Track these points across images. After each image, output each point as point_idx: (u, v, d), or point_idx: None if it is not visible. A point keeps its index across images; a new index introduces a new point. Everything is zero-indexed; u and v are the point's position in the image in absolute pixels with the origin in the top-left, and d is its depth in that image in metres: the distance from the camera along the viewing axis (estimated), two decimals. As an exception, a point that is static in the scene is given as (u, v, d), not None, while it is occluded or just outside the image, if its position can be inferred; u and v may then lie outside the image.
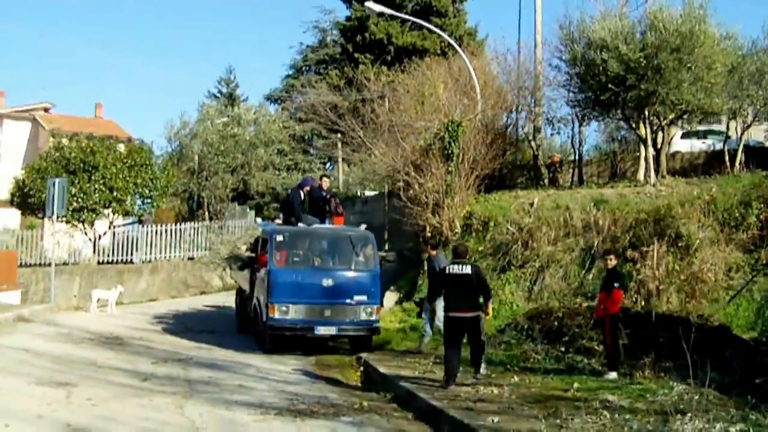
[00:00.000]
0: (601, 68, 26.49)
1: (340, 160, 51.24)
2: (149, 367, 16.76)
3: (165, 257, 35.56)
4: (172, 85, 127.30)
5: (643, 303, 19.62)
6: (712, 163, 33.96)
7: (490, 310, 15.07)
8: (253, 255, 21.87)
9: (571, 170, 37.51)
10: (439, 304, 18.30)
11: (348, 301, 19.43)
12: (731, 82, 28.33)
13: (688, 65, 25.92)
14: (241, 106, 54.74)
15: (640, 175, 31.00)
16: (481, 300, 14.71)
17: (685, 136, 38.42)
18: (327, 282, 19.36)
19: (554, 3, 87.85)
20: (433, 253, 19.83)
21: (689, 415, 10.19)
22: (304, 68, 70.07)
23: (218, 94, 66.10)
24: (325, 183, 23.34)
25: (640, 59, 25.85)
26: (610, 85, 26.43)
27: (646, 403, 11.87)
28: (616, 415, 10.98)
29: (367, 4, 35.51)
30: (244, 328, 22.86)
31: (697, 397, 11.84)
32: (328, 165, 63.96)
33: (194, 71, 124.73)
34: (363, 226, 22.02)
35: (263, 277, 19.86)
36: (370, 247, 20.49)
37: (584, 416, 10.98)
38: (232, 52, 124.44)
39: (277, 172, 52.43)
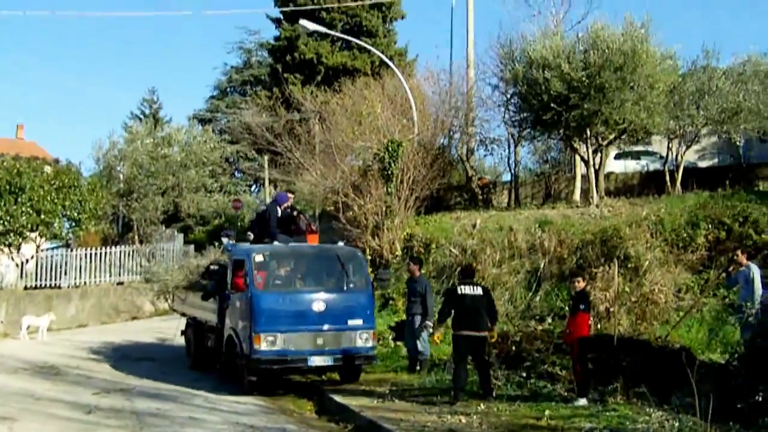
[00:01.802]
0: (543, 87, 26.26)
1: (266, 181, 50.44)
2: (91, 398, 15.94)
3: (94, 282, 34.36)
4: (93, 107, 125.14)
5: (598, 326, 19.20)
6: (647, 184, 34.18)
7: (495, 333, 15.49)
8: (215, 281, 19.13)
9: (505, 191, 37.42)
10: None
11: (342, 326, 17.07)
12: (671, 102, 28.35)
13: (631, 84, 25.89)
14: (171, 126, 53.72)
15: (576, 196, 30.91)
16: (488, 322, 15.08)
17: (618, 156, 38.62)
18: (318, 306, 16.87)
19: (487, 23, 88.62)
20: (417, 274, 19.12)
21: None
22: (228, 89, 69.51)
23: (141, 116, 64.85)
24: (289, 199, 20.92)
25: (582, 78, 25.72)
26: (552, 105, 26.23)
27: (627, 432, 11.35)
28: (603, 446, 10.47)
29: (301, 22, 35.16)
30: (203, 365, 20.44)
31: (677, 424, 11.43)
32: (254, 187, 63.23)
33: (115, 92, 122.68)
34: (341, 243, 20.39)
35: (241, 304, 17.30)
36: (360, 265, 18.45)
37: (567, 447, 10.47)
38: (154, 73, 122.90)
39: (208, 194, 51.42)
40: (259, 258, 17.49)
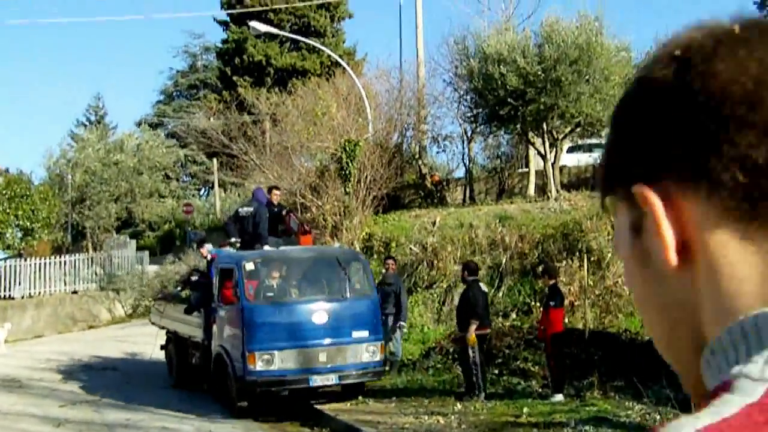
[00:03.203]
0: (499, 82, 26.19)
1: (216, 184, 50.04)
2: (60, 411, 15.64)
3: (48, 291, 33.73)
4: (35, 115, 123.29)
5: (564, 320, 19.15)
6: (601, 177, 34.15)
7: None
8: (199, 292, 17.45)
9: (458, 188, 37.33)
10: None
11: (347, 339, 15.32)
12: (626, 94, 28.45)
13: (587, 77, 25.89)
14: (123, 132, 53.01)
15: (531, 191, 30.89)
16: None
17: (571, 150, 38.58)
18: (318, 318, 15.14)
19: (436, 20, 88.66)
20: (393, 272, 18.61)
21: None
22: (174, 93, 68.89)
23: (87, 122, 64.07)
24: (276, 196, 19.11)
25: (538, 72, 25.69)
26: (509, 99, 26.18)
27: (611, 426, 11.25)
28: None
29: (251, 24, 34.88)
30: (187, 384, 18.40)
31: (659, 417, 11.37)
32: (202, 191, 62.80)
33: (58, 100, 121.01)
34: (337, 245, 19.42)
35: (231, 318, 15.65)
36: (362, 269, 16.72)
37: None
38: (99, 79, 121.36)
39: (161, 200, 50.81)
40: (250, 266, 15.78)
